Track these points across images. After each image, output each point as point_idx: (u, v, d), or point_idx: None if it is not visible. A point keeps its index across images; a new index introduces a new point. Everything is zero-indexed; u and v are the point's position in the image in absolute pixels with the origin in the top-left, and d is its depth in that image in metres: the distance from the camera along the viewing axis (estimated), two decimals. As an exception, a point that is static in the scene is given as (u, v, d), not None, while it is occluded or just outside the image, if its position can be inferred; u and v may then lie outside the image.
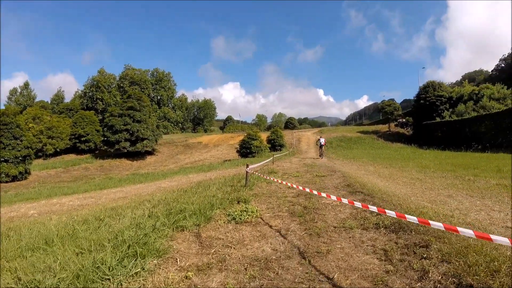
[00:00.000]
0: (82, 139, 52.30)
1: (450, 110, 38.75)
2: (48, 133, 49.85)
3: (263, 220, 5.10)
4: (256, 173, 9.31)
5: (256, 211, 5.50)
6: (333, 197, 4.13)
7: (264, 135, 45.75)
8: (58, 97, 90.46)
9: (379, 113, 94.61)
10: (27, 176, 35.39)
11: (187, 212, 5.20)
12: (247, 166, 8.70)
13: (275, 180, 7.53)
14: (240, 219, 5.01)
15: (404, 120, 52.57)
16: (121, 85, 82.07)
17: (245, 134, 42.83)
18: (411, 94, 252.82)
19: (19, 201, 14.62)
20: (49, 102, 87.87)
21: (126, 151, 48.23)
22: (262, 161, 16.50)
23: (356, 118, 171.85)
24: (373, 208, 3.36)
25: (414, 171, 12.22)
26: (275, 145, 43.69)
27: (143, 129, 49.05)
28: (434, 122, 38.30)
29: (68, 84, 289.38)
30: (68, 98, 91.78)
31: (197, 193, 7.71)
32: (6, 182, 31.51)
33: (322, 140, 25.61)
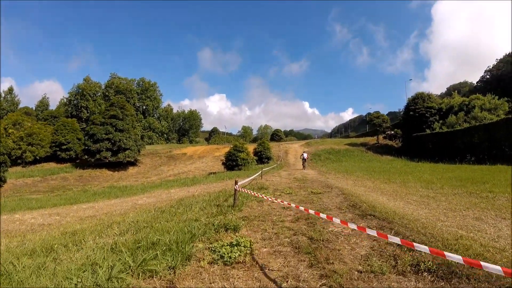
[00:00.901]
0: (63, 147, 49.79)
1: (441, 121, 38.36)
2: (28, 140, 47.53)
3: (259, 259, 3.82)
4: (245, 190, 8.02)
5: (250, 244, 4.25)
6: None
7: (250, 147, 44.52)
8: (43, 104, 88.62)
9: (365, 125, 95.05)
10: (2, 184, 33.48)
11: (161, 247, 3.94)
12: (236, 182, 7.43)
13: (268, 198, 6.25)
14: (230, 257, 3.74)
15: (392, 132, 52.24)
16: (107, 93, 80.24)
17: (231, 146, 41.39)
18: (395, 106, 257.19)
19: (-22, 216, 12.95)
20: (34, 109, 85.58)
21: (107, 161, 46.06)
22: (251, 176, 15.27)
23: (342, 131, 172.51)
24: None
25: (419, 187, 11.18)
26: (262, 158, 42.58)
27: (126, 139, 47.00)
28: (424, 134, 37.75)
29: (54, 92, 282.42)
30: (53, 105, 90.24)
31: (176, 215, 6.43)
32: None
33: (305, 155, 29.86)
